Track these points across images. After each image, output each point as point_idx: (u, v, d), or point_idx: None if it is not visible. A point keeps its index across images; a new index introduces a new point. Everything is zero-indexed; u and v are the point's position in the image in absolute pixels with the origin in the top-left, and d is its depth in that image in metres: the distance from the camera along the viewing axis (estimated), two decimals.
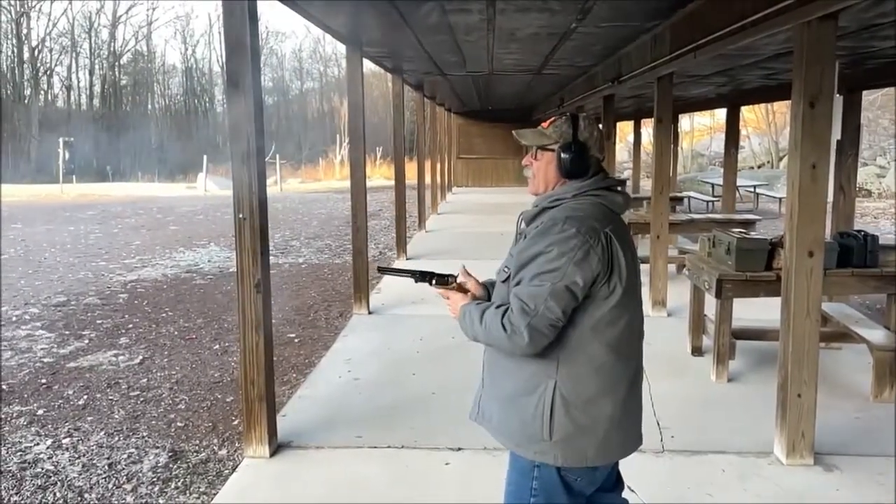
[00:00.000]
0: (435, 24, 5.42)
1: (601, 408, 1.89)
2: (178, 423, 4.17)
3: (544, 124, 2.01)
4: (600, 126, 2.01)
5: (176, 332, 6.21)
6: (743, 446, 3.65)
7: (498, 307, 1.91)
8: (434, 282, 2.15)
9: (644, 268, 6.58)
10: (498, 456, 3.42)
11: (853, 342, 4.73)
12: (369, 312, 6.50)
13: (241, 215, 3.41)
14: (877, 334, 4.50)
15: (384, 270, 2.26)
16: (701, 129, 31.11)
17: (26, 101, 41.14)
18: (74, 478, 3.49)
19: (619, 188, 2.00)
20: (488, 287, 2.14)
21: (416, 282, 2.18)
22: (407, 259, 9.33)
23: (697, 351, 5.15)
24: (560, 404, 1.87)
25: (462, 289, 2.12)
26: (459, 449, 3.62)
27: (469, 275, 2.15)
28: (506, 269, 1.95)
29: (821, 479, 3.35)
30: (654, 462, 3.48)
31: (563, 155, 1.93)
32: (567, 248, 1.80)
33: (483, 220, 13.47)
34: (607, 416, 1.90)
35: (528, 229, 1.94)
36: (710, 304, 4.78)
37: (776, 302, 3.59)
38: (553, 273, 1.80)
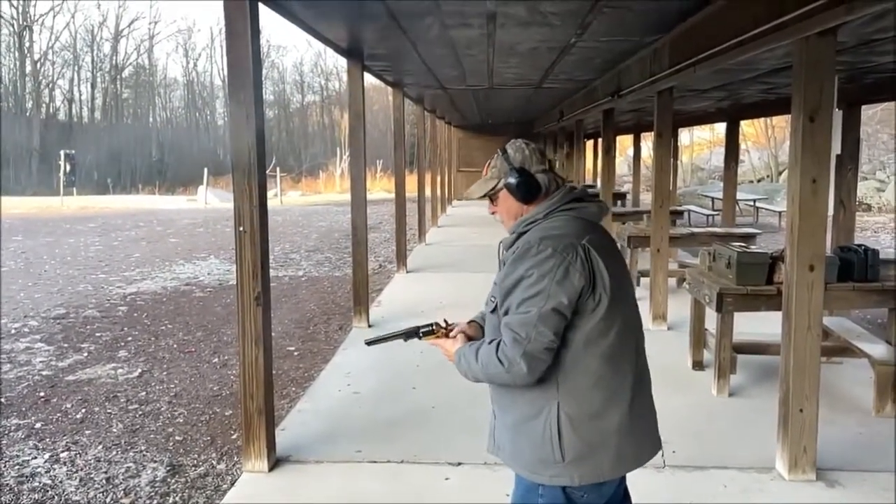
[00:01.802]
0: (436, 39, 5.44)
1: (608, 420, 1.88)
2: (177, 437, 4.15)
3: (483, 172, 2.05)
4: (530, 144, 2.02)
5: (175, 345, 6.19)
6: (745, 461, 3.63)
7: (490, 342, 1.90)
8: (421, 334, 2.13)
9: (644, 281, 6.62)
10: (498, 471, 3.39)
11: (854, 356, 4.71)
12: (369, 325, 6.49)
13: (241, 228, 3.41)
14: (878, 349, 4.48)
15: (373, 342, 2.25)
16: (700, 142, 31.20)
17: (28, 114, 41.31)
18: (72, 492, 3.47)
19: (590, 198, 2.00)
20: (479, 322, 2.15)
21: (406, 340, 2.17)
22: (407, 272, 9.32)
23: (698, 365, 5.13)
24: (566, 424, 1.86)
25: (450, 331, 2.11)
26: (459, 464, 3.59)
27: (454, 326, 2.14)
28: (492, 299, 1.95)
29: (823, 494, 3.32)
30: (655, 477, 3.46)
31: (509, 184, 1.96)
32: (546, 269, 1.80)
33: (483, 233, 13.46)
34: (616, 427, 1.89)
35: (507, 255, 1.95)
36: (711, 318, 4.77)
37: (777, 316, 3.58)
38: (537, 297, 1.80)
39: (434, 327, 2.12)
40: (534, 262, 1.82)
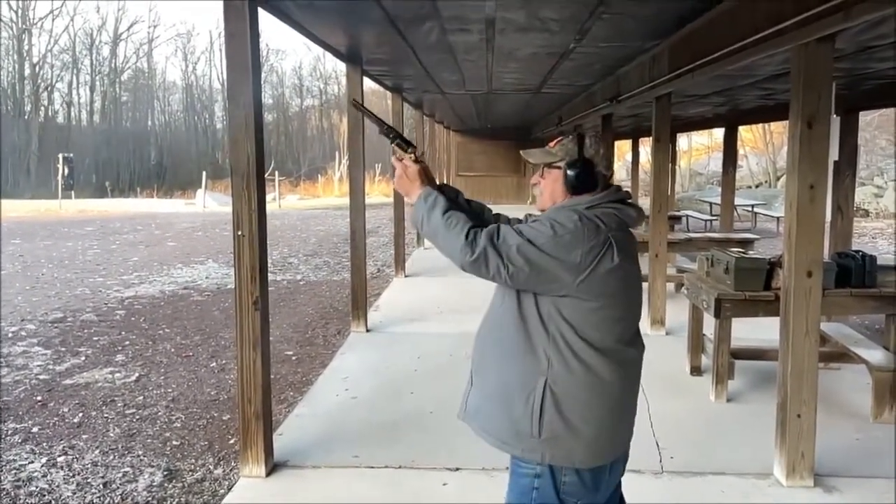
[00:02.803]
0: (435, 44, 5.45)
1: (591, 410, 1.89)
2: (174, 442, 4.14)
3: (551, 144, 2.04)
4: (604, 144, 2.03)
5: (173, 350, 6.18)
6: (742, 467, 3.62)
7: (468, 220, 1.91)
8: (396, 141, 2.12)
9: (643, 286, 6.61)
10: (496, 476, 3.40)
11: (852, 362, 4.72)
12: (367, 330, 6.48)
13: (240, 232, 3.41)
14: (876, 354, 4.49)
15: (361, 107, 2.38)
16: (699, 147, 31.26)
17: (26, 117, 41.28)
18: (69, 497, 3.46)
19: (632, 203, 2.02)
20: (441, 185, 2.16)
21: (380, 132, 2.17)
22: (405, 276, 9.33)
23: (696, 370, 5.13)
24: (551, 402, 1.86)
25: (421, 164, 2.07)
26: (457, 469, 3.59)
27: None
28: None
29: (821, 500, 3.32)
30: (652, 483, 3.46)
31: (569, 172, 1.96)
32: (560, 229, 1.84)
33: None
34: (597, 418, 1.90)
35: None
36: (709, 324, 4.77)
37: (775, 322, 3.58)
38: (534, 236, 1.84)
39: (409, 148, 2.10)
40: (556, 218, 1.87)
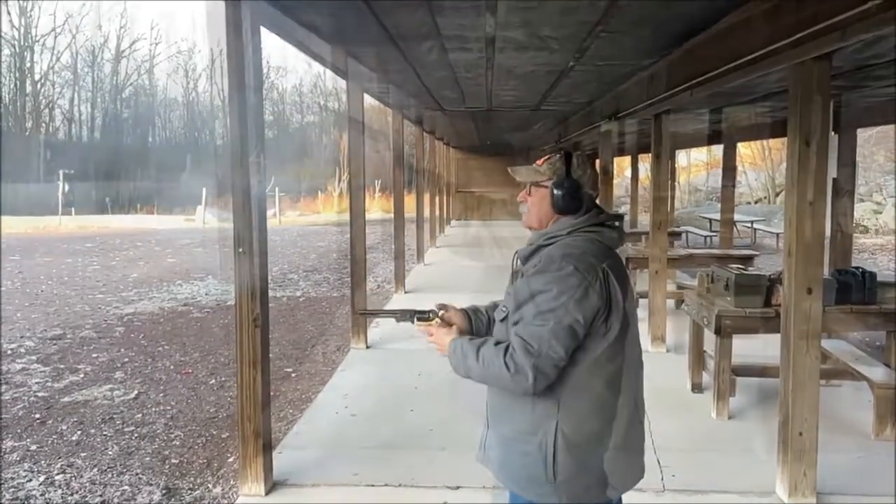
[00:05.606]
0: (435, 62, 5.49)
1: (603, 444, 1.88)
2: (173, 460, 4.12)
3: (539, 161, 2.03)
4: (592, 165, 2.03)
5: (172, 367, 6.16)
6: (744, 486, 3.60)
7: (496, 344, 1.89)
8: (416, 319, 2.15)
9: (643, 303, 6.61)
10: (496, 495, 3.37)
11: (853, 379, 4.70)
12: (367, 347, 6.47)
13: (240, 249, 3.41)
14: (877, 371, 4.47)
15: (366, 313, 2.31)
16: (698, 164, 31.35)
17: (27, 134, 41.43)
18: None
19: (614, 223, 2.00)
20: (470, 314, 2.14)
21: (398, 321, 2.19)
22: (405, 292, 9.31)
23: (697, 387, 5.11)
24: (562, 444, 1.85)
25: (446, 323, 2.11)
26: (458, 487, 3.57)
27: (446, 307, 2.15)
28: (504, 309, 1.95)
29: None
30: (654, 502, 3.43)
31: (556, 191, 1.95)
32: (567, 286, 1.80)
33: (482, 254, 13.48)
34: (610, 452, 1.89)
35: (525, 268, 1.94)
36: (710, 340, 4.76)
37: (776, 338, 3.58)
38: (554, 312, 1.80)
39: (430, 315, 2.14)
40: (554, 277, 1.82)
